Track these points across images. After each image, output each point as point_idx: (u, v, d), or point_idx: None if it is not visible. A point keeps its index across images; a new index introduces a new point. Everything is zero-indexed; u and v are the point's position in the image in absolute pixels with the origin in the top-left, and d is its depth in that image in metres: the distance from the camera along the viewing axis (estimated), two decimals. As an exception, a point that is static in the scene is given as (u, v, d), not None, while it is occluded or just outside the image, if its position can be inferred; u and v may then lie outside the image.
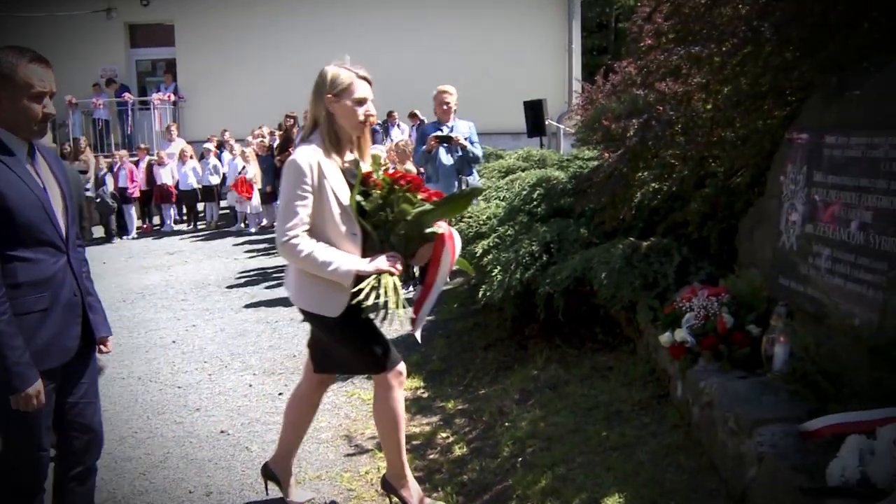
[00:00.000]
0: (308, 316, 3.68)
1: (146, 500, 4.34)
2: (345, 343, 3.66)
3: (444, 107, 8.03)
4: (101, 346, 3.53)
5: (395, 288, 3.46)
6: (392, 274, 3.47)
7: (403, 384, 3.78)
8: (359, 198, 3.49)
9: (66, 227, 3.17)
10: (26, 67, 2.96)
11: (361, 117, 3.51)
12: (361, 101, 3.51)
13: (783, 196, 3.95)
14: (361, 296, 3.38)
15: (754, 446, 3.04)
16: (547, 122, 12.66)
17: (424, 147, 8.06)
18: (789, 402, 3.26)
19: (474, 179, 8.14)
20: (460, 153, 7.97)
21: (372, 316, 3.59)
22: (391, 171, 3.62)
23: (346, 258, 3.41)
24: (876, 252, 3.16)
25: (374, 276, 3.42)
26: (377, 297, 3.40)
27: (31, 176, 3.04)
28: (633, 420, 4.31)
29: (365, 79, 3.57)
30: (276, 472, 4.09)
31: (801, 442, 2.94)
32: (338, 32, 18.61)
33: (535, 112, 12.45)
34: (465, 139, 7.97)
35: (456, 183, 7.96)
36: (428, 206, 3.55)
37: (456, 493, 4.06)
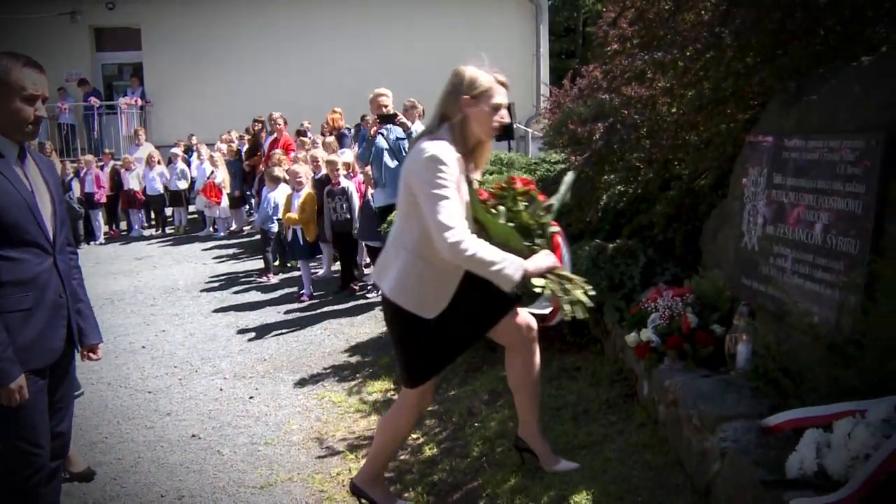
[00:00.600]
0: (395, 311, 3.49)
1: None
2: (412, 343, 3.57)
3: (383, 109, 8.13)
4: (91, 354, 3.59)
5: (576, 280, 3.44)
6: (560, 269, 3.43)
7: (423, 411, 3.83)
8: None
9: (53, 230, 3.23)
10: (20, 71, 3.05)
11: (496, 124, 3.40)
12: (498, 108, 3.37)
13: (745, 198, 4.04)
14: (561, 297, 3.32)
15: (717, 442, 3.12)
16: (515, 126, 12.73)
17: (369, 132, 8.18)
18: (751, 398, 3.34)
19: None
20: (404, 153, 8.07)
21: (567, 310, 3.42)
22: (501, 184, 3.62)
23: (511, 259, 3.23)
24: (833, 252, 3.25)
25: (550, 276, 3.36)
26: (566, 293, 3.34)
27: (19, 178, 3.10)
28: (600, 419, 4.38)
29: (503, 84, 3.43)
30: (528, 442, 3.95)
31: (762, 437, 3.02)
32: (306, 37, 18.65)
33: (503, 116, 12.51)
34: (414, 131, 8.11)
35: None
36: (554, 202, 3.58)
37: (426, 492, 4.10)
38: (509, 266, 3.20)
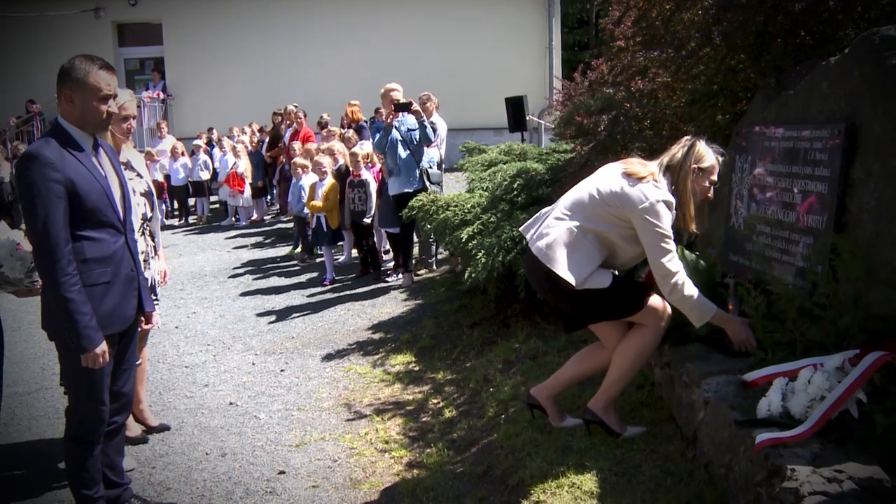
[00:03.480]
0: (566, 293, 3.84)
1: (167, 461, 4.81)
2: (605, 300, 3.88)
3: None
4: (144, 320, 4.04)
5: None
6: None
7: (663, 325, 3.97)
8: None
9: (123, 211, 3.67)
10: (97, 73, 3.46)
11: (710, 196, 3.91)
12: (713, 183, 3.90)
13: (732, 183, 4.47)
14: None
15: (702, 393, 3.56)
16: (528, 118, 13.06)
17: (385, 119, 8.60)
18: (734, 358, 3.79)
19: (435, 171, 8.73)
20: (416, 142, 8.58)
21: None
22: None
23: (708, 308, 3.75)
24: (804, 228, 3.69)
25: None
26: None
27: (95, 167, 3.54)
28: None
29: (720, 164, 3.93)
30: (540, 401, 4.29)
31: (740, 388, 3.46)
32: (322, 31, 19.11)
33: (516, 108, 12.84)
34: (429, 124, 8.56)
35: (417, 173, 8.56)
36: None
37: (447, 448, 4.57)
38: (705, 313, 3.74)
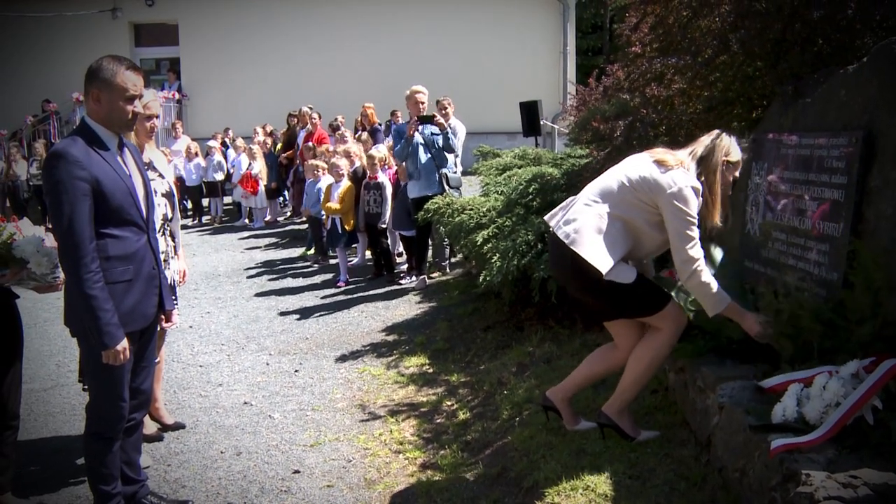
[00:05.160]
0: (590, 282, 3.85)
1: (182, 459, 4.86)
2: (627, 295, 3.89)
3: (420, 106, 8.66)
4: (164, 318, 4.08)
5: None
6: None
7: (679, 331, 4.00)
8: None
9: (146, 210, 3.71)
10: (123, 74, 3.50)
11: (730, 192, 3.97)
12: (736, 180, 3.99)
13: (748, 189, 4.49)
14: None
15: (716, 398, 3.58)
16: (542, 123, 13.09)
17: (407, 130, 8.64)
18: (748, 363, 3.81)
19: (455, 175, 8.76)
20: (438, 147, 8.60)
21: None
22: None
23: (723, 297, 3.74)
24: (819, 236, 3.71)
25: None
26: None
27: (120, 166, 3.58)
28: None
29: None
30: (555, 403, 4.32)
31: (755, 393, 3.48)
32: (338, 33, 19.17)
33: (530, 113, 12.89)
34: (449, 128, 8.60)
35: (436, 178, 8.58)
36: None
37: (461, 450, 4.60)
38: (720, 303, 3.74)
